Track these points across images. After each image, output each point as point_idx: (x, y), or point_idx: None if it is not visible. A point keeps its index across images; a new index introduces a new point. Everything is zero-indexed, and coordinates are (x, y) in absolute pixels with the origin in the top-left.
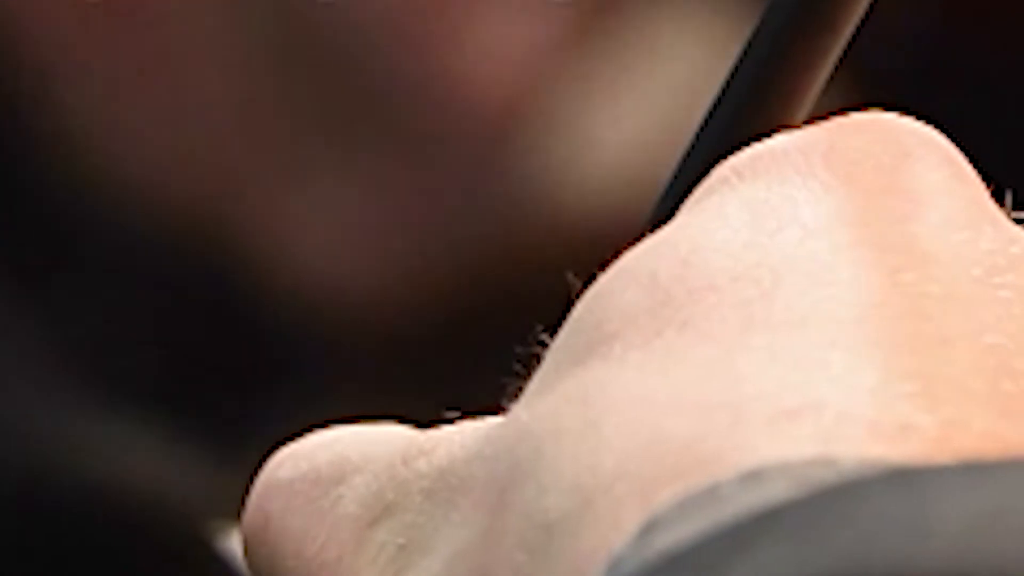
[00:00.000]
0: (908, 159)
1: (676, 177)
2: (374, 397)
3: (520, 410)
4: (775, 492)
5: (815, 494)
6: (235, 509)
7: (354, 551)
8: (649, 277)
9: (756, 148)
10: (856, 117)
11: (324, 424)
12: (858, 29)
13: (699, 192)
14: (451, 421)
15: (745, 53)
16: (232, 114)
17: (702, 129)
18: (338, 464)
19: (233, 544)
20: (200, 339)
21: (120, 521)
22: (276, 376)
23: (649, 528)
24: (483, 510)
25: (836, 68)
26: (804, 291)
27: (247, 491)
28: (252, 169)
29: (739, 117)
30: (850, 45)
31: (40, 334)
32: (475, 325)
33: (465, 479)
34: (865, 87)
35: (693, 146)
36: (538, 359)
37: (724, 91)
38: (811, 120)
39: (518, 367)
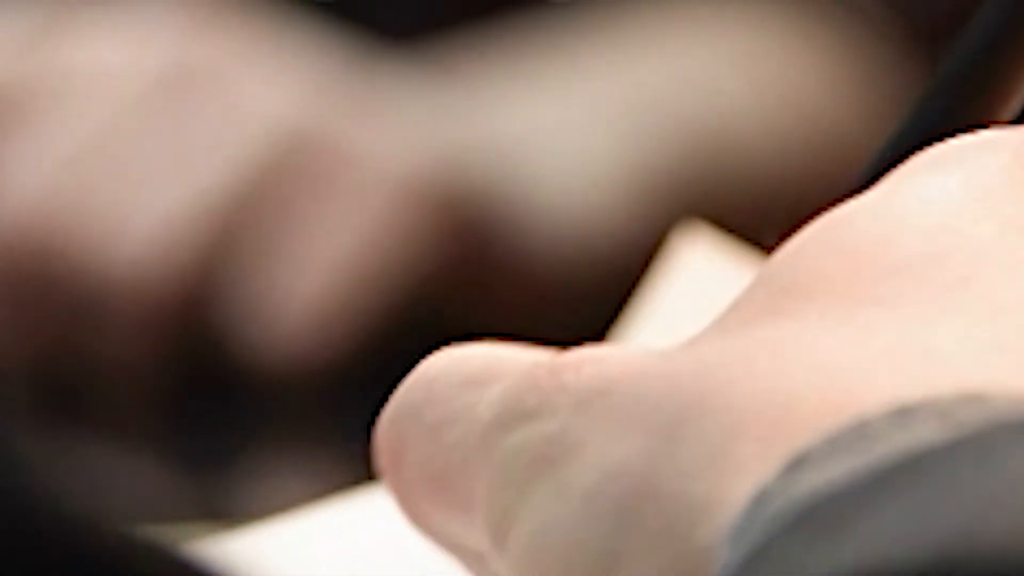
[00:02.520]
0: None
1: (876, 163)
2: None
3: (702, 346)
4: (924, 432)
5: (962, 437)
6: (208, 513)
7: (483, 455)
8: (851, 249)
9: (957, 140)
10: None
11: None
12: None
13: (901, 172)
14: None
15: (957, 49)
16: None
17: (907, 121)
18: (483, 369)
19: (204, 549)
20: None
21: (91, 525)
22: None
23: (796, 465)
24: (653, 434)
25: None
26: (1001, 283)
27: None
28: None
29: (947, 110)
30: None
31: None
32: None
33: (634, 398)
34: None
35: (897, 134)
36: None
37: (935, 84)
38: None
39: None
